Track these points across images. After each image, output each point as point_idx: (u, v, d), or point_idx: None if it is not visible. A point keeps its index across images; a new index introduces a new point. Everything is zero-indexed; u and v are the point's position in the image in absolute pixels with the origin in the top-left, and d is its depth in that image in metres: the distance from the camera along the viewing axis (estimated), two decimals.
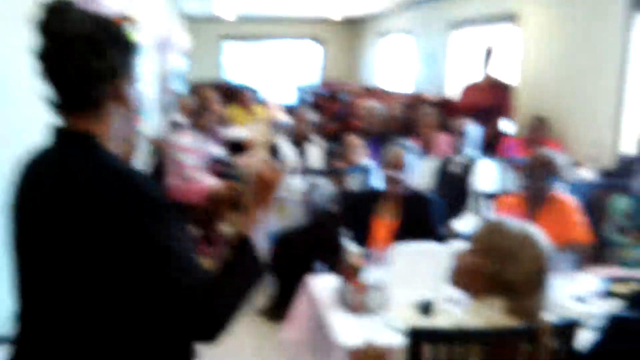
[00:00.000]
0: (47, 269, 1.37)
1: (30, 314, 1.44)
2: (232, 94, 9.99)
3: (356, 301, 2.66)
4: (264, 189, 1.56)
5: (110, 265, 1.31)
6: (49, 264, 1.36)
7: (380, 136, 6.16)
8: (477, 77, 6.70)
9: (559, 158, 3.57)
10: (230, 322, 1.38)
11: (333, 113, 8.78)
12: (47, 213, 1.36)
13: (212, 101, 8.89)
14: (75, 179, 1.35)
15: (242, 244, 1.47)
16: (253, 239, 1.49)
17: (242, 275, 1.43)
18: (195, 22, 13.66)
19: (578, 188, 4.13)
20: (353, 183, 4.86)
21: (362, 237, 3.36)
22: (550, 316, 2.10)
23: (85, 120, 1.42)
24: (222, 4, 11.20)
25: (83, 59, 1.39)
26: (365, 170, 4.89)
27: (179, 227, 1.38)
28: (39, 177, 1.40)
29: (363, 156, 5.11)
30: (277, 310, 4.55)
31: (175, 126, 7.70)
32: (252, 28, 14.16)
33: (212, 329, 1.36)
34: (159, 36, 6.56)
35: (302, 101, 12.07)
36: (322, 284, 2.94)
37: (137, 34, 3.85)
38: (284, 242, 4.63)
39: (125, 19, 3.72)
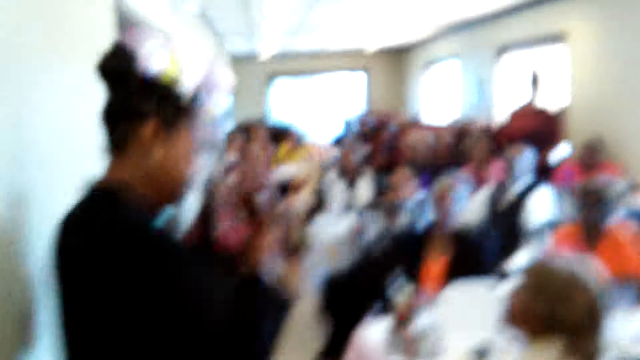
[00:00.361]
0: (80, 324, 1.39)
1: None
2: (280, 134, 10.07)
3: (409, 346, 2.59)
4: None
5: (135, 319, 1.31)
6: (81, 320, 1.38)
7: (430, 168, 6.08)
8: (524, 102, 6.56)
9: (615, 184, 3.42)
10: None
11: (382, 144, 8.74)
12: (72, 272, 1.38)
13: (260, 141, 8.98)
14: (93, 238, 1.35)
15: (255, 283, 1.45)
16: (263, 275, 1.48)
17: (264, 314, 1.41)
18: (239, 60, 13.88)
19: (638, 215, 3.97)
20: (403, 219, 4.77)
21: (414, 276, 3.29)
22: (610, 357, 2.01)
23: (118, 166, 1.45)
24: (266, 42, 11.34)
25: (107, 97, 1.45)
26: (415, 205, 4.79)
27: (202, 273, 1.36)
28: (68, 235, 1.42)
29: (413, 190, 5.01)
30: (334, 353, 4.50)
31: (227, 168, 7.77)
32: (296, 64, 14.30)
33: None
34: (204, 77, 6.65)
35: (350, 133, 12.07)
36: (375, 328, 2.88)
37: (181, 79, 3.88)
38: (336, 283, 4.58)
39: (170, 65, 3.75)
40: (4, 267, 1.63)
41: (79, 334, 1.40)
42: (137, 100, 1.42)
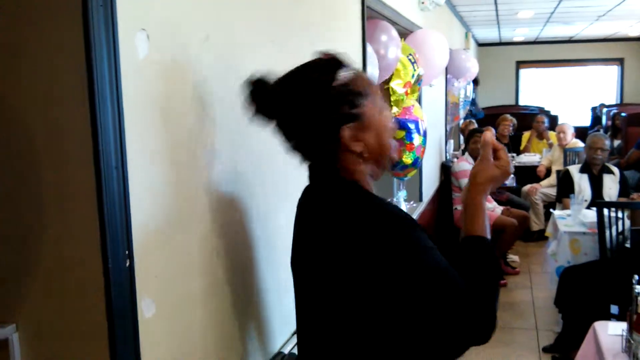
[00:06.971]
0: (314, 294, 1.48)
1: (303, 329, 1.56)
2: (526, 120, 9.83)
3: None
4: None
5: (370, 294, 1.36)
6: (316, 289, 1.46)
7: None
8: None
9: None
10: (495, 314, 1.37)
11: (634, 139, 8.16)
12: (310, 246, 1.47)
13: (504, 127, 8.83)
14: (328, 215, 1.44)
15: (483, 245, 1.45)
16: (488, 238, 1.47)
17: (491, 274, 1.41)
18: (487, 47, 13.67)
19: None
20: None
21: None
22: None
23: (342, 169, 1.48)
24: (515, 30, 11.06)
25: (280, 120, 1.48)
26: None
27: (426, 241, 1.37)
28: (305, 209, 1.53)
29: None
30: (564, 349, 4.38)
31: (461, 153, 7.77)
32: (547, 50, 13.73)
33: (486, 329, 1.35)
34: (449, 65, 6.69)
35: (599, 125, 11.40)
36: (611, 331, 2.76)
37: (417, 69, 3.94)
38: (572, 277, 4.41)
39: (402, 54, 3.78)
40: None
41: (311, 304, 1.50)
42: (320, 120, 1.43)
